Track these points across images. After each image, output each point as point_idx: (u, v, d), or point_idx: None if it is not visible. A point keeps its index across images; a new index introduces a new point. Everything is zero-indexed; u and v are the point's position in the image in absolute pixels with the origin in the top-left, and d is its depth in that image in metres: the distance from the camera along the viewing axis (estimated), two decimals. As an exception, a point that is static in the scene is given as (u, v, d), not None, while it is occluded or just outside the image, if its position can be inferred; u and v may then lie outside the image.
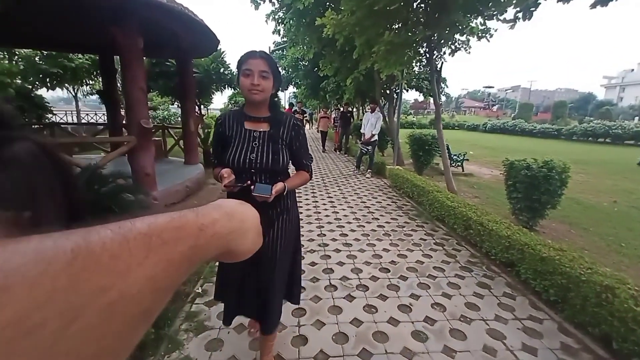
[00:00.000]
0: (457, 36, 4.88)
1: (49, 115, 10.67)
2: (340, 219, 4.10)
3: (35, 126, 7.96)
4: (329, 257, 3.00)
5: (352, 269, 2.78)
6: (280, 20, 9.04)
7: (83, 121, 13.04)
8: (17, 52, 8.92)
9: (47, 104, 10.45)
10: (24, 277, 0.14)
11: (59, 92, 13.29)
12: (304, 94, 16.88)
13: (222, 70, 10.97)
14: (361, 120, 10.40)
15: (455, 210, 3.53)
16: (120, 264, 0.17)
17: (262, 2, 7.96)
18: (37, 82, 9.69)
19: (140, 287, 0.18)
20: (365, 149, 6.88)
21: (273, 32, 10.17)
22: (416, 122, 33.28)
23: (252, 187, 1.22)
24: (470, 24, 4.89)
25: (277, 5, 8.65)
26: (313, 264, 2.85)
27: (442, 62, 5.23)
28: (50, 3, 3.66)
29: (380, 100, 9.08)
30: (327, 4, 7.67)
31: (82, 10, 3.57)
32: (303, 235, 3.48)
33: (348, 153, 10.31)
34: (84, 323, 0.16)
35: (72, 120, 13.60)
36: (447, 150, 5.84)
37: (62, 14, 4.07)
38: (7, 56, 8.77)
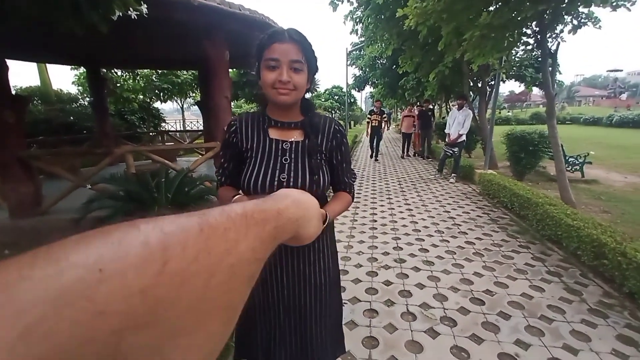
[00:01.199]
0: (580, 8, 3.83)
1: (163, 124, 12.82)
2: (420, 231, 3.64)
3: (152, 133, 9.56)
4: (407, 276, 2.63)
5: (435, 294, 2.36)
6: (358, 19, 8.83)
7: (188, 128, 15.23)
8: (138, 72, 10.91)
9: (162, 115, 12.53)
10: (178, 239, 0.19)
11: (175, 104, 15.79)
12: (381, 93, 16.32)
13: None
14: (444, 118, 9.38)
15: (580, 231, 2.72)
16: (232, 235, 0.22)
17: (340, 3, 7.87)
18: (153, 97, 11.70)
19: (247, 255, 0.23)
20: (451, 151, 6.10)
21: (351, 33, 10.03)
22: (512, 118, 28.99)
23: None
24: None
25: (355, 5, 8.48)
26: (388, 282, 2.53)
27: (559, 43, 4.18)
28: (158, 26, 4.20)
29: (469, 95, 8.03)
30: (408, -6, 7.12)
31: (182, 29, 3.99)
32: (377, 247, 3.19)
33: (431, 156, 9.10)
34: (219, 278, 0.20)
35: (180, 127, 16.09)
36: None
37: (168, 35, 4.67)
38: (131, 76, 10.82)
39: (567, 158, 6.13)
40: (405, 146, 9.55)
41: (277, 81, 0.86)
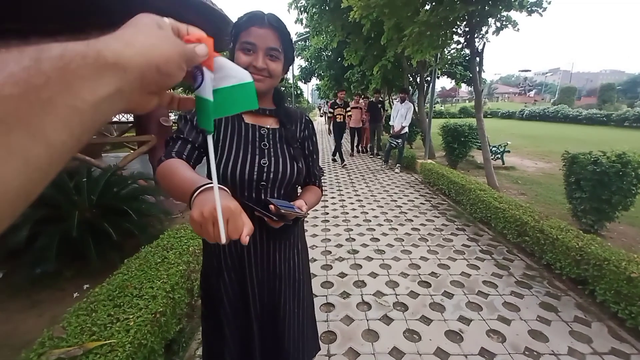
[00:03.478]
0: (503, 12, 4.26)
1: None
2: (370, 221, 3.76)
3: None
4: (360, 266, 2.69)
5: (387, 282, 2.45)
6: (302, 8, 8.68)
7: (115, 119, 13.41)
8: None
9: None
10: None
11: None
12: (327, 86, 16.45)
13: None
14: (387, 111, 9.78)
15: (505, 212, 3.06)
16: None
17: (283, -10, 7.62)
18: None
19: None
20: (395, 142, 6.42)
21: (295, 22, 9.84)
22: (444, 111, 31.80)
23: (271, 206, 0.76)
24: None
25: (299, -7, 8.31)
26: (342, 274, 2.55)
27: (485, 43, 4.62)
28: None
29: (409, 89, 8.51)
30: (352, -14, 7.20)
31: (97, 5, 3.43)
32: (330, 240, 3.20)
33: (380, 152, 8.35)
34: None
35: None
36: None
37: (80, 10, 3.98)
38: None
39: (490, 147, 6.89)
40: (355, 142, 8.58)
41: (251, 66, 0.81)
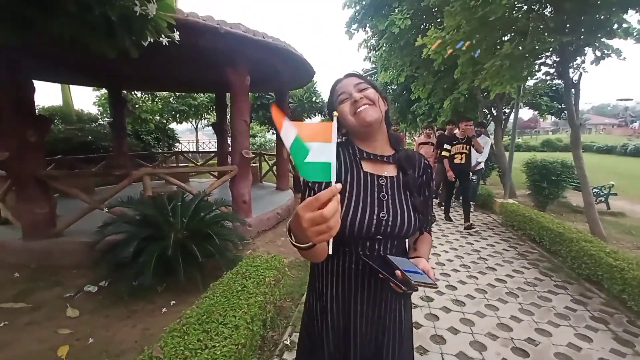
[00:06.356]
0: (604, 40, 3.79)
1: (177, 144, 13.04)
2: (444, 264, 3.43)
3: (167, 153, 9.67)
4: (437, 317, 2.42)
5: (471, 341, 2.14)
6: (372, 47, 9.05)
7: (200, 149, 15.42)
8: (157, 95, 11.26)
9: (176, 135, 12.75)
10: None
11: (188, 124, 16.17)
12: (392, 118, 16.42)
13: (313, 98, 11.62)
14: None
15: (625, 272, 2.50)
16: None
17: (355, 32, 8.09)
18: (169, 118, 11.98)
19: None
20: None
21: (364, 60, 10.28)
22: (522, 144, 28.76)
23: (398, 272, 0.71)
24: (623, 23, 3.76)
25: (369, 34, 8.71)
26: (417, 325, 2.32)
27: (581, 74, 4.14)
28: (182, 51, 4.31)
29: (484, 122, 7.96)
30: (423, 25, 7.31)
31: (205, 55, 4.07)
32: (401, 283, 2.99)
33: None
34: None
35: (193, 147, 16.43)
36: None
37: (190, 60, 4.77)
38: (150, 98, 11.15)
39: (592, 189, 5.90)
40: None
41: (351, 104, 0.86)
